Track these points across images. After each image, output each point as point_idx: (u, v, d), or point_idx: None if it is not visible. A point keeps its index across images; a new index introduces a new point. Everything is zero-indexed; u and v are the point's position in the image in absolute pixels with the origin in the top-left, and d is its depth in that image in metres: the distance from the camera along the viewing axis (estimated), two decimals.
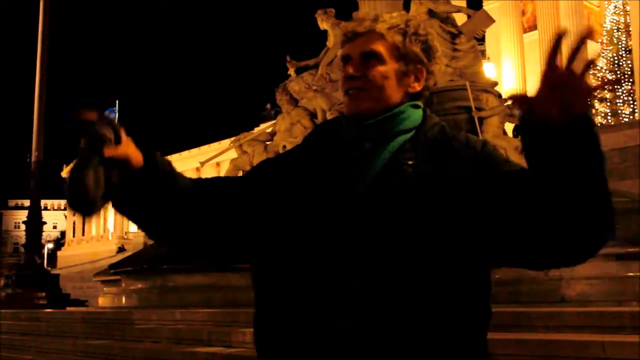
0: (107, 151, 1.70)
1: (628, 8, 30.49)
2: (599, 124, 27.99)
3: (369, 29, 1.84)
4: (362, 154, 1.78)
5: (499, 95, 13.03)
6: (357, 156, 1.78)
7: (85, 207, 1.70)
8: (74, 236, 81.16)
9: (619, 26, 31.01)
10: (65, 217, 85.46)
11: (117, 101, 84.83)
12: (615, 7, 31.57)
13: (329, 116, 12.04)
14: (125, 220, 71.06)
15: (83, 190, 1.66)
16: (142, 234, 49.82)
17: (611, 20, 31.60)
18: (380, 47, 1.82)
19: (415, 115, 1.85)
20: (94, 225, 77.90)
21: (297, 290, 1.70)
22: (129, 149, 1.78)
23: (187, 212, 1.83)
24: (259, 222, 1.81)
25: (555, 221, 1.56)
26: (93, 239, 76.46)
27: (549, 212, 1.56)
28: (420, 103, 1.89)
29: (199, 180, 1.95)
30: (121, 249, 58.94)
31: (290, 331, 1.71)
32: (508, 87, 32.56)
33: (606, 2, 32.80)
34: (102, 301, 13.75)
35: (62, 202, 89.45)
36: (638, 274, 7.81)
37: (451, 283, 1.66)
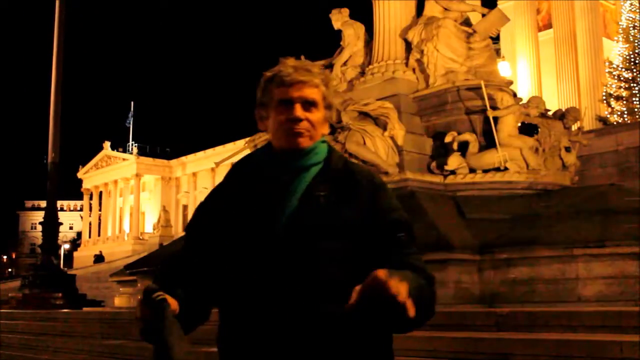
0: (171, 311, 1.97)
1: None
2: (615, 123, 27.77)
3: (309, 79, 2.15)
4: (281, 187, 2.11)
5: (514, 94, 12.98)
6: (277, 190, 2.10)
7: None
8: (90, 237, 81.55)
9: (635, 24, 30.79)
10: (82, 217, 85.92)
11: (132, 103, 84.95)
12: (631, 4, 31.32)
13: (343, 116, 12.01)
14: (141, 221, 71.09)
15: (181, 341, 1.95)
16: (157, 234, 49.67)
17: (627, 18, 31.37)
18: (317, 96, 2.16)
19: (323, 149, 2.21)
20: (110, 226, 78.29)
21: (239, 315, 2.08)
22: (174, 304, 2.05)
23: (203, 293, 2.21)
24: (213, 265, 2.16)
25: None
26: (109, 239, 76.82)
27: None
28: (324, 138, 2.24)
29: (188, 268, 2.24)
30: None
31: (239, 341, 2.08)
32: (523, 85, 32.43)
33: (622, 0, 32.57)
34: (118, 301, 13.82)
35: (78, 203, 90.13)
36: None
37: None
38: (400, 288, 1.72)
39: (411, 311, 1.72)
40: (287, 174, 2.14)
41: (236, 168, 2.29)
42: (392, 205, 2.15)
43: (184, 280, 2.18)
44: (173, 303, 2.01)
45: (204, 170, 70.22)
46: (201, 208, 2.29)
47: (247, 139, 15.85)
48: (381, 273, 1.72)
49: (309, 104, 2.15)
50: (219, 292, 2.16)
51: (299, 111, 2.13)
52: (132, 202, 75.43)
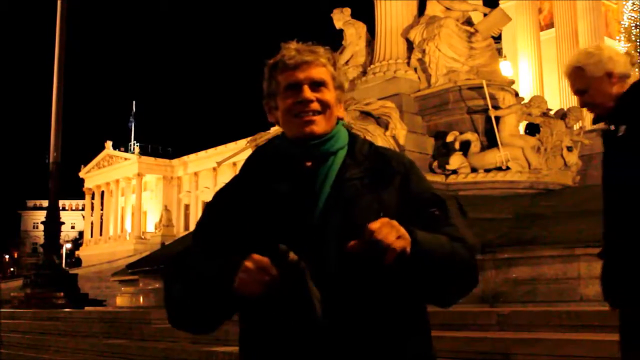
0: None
1: None
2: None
3: (314, 59, 2.03)
4: (309, 174, 1.99)
5: (516, 94, 12.97)
6: (305, 178, 1.98)
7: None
8: (92, 236, 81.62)
9: (637, 23, 30.76)
10: (83, 217, 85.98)
11: (134, 102, 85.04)
12: (633, 3, 31.28)
13: (344, 115, 12.02)
14: (142, 220, 70.95)
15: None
16: (159, 234, 49.65)
17: (629, 17, 31.32)
18: (326, 76, 2.04)
19: (344, 133, 2.10)
20: (112, 226, 78.36)
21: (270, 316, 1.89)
22: None
23: None
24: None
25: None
26: (111, 239, 76.88)
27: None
28: (339, 122, 2.12)
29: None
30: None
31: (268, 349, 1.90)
32: (525, 85, 32.43)
33: (624, 0, 32.55)
34: (120, 301, 13.82)
35: (80, 202, 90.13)
36: None
37: (396, 292, 1.88)
38: (386, 232, 1.70)
39: (388, 255, 1.70)
40: (311, 161, 2.01)
41: (252, 160, 2.14)
42: (424, 185, 2.06)
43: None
44: None
45: (206, 169, 70.26)
46: (213, 206, 2.11)
47: (249, 138, 15.86)
48: (375, 222, 1.72)
49: (317, 85, 2.02)
50: None
51: (307, 92, 2.00)
52: (134, 201, 75.47)
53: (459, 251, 1.90)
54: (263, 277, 1.75)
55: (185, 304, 1.94)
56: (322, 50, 2.07)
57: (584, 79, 3.30)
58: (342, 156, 2.02)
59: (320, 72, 2.03)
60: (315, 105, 2.00)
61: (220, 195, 2.12)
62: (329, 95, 2.03)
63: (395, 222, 1.74)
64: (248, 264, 1.77)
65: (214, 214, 2.09)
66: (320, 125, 2.01)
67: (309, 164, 2.01)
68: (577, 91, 3.35)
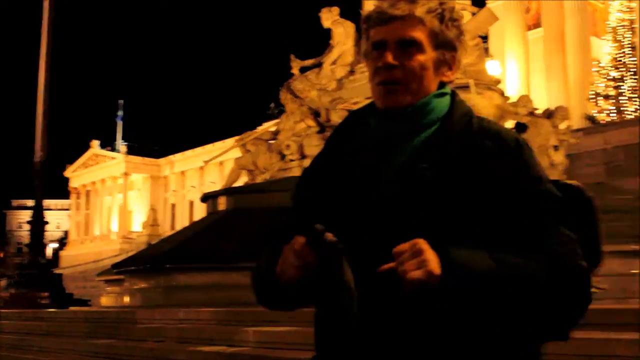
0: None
1: (633, 5, 30.40)
2: (603, 122, 27.83)
3: (407, 13, 1.68)
4: (383, 155, 1.69)
5: (502, 93, 12.99)
6: (377, 159, 1.69)
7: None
8: (77, 236, 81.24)
9: (624, 23, 30.92)
10: (69, 216, 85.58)
11: (121, 101, 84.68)
12: (620, 4, 31.47)
13: (332, 115, 11.99)
14: (128, 220, 70.80)
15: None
16: (145, 233, 49.54)
17: (616, 17, 31.51)
18: (419, 34, 1.68)
19: (440, 105, 1.72)
20: (98, 225, 78.04)
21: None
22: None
23: None
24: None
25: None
26: (96, 238, 76.54)
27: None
28: (447, 89, 1.76)
29: None
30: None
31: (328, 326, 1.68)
32: (512, 84, 32.50)
33: (611, 0, 32.72)
34: (105, 301, 13.75)
35: (66, 202, 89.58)
36: None
37: None
38: (406, 259, 1.45)
39: (408, 283, 1.44)
40: (394, 138, 1.70)
41: (338, 129, 1.85)
42: (531, 175, 1.64)
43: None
44: None
45: (193, 169, 70.06)
46: (299, 179, 1.90)
47: (237, 137, 15.84)
48: (403, 245, 1.47)
49: (406, 45, 1.67)
50: None
51: (389, 57, 1.67)
52: (120, 201, 75.20)
53: (528, 274, 1.52)
54: (297, 261, 1.56)
55: (257, 286, 1.82)
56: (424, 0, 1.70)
57: None
58: (426, 136, 1.68)
59: (412, 30, 1.68)
60: (397, 73, 1.68)
61: (307, 168, 1.90)
62: (422, 57, 1.68)
63: (424, 245, 1.47)
64: (286, 247, 1.59)
65: (298, 187, 1.87)
66: (403, 96, 1.69)
67: (394, 140, 1.70)
68: None
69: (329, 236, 1.53)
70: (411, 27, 1.67)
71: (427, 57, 1.69)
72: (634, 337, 4.93)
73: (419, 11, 1.68)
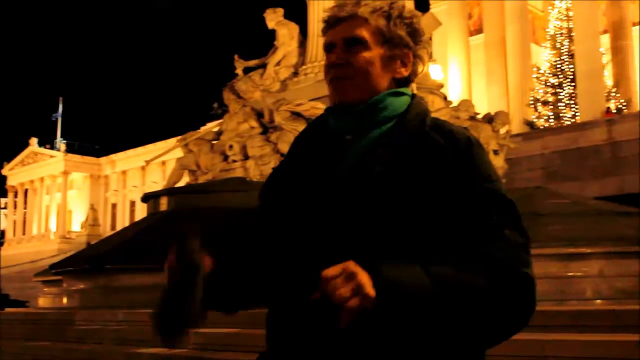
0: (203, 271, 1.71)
1: (571, 13, 31.13)
2: (542, 127, 28.39)
3: (351, 13, 1.74)
4: (341, 149, 1.71)
5: (445, 97, 13.17)
6: (335, 152, 1.71)
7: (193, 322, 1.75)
8: (14, 235, 79.46)
9: (562, 31, 31.63)
10: (5, 215, 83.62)
11: (60, 98, 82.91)
12: (559, 12, 32.18)
13: (275, 116, 11.98)
14: (68, 219, 69.35)
15: (195, 308, 1.69)
16: (85, 233, 48.78)
17: (554, 25, 32.21)
18: (363, 32, 1.73)
19: (396, 104, 1.74)
20: (35, 225, 76.46)
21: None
22: (207, 261, 1.79)
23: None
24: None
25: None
26: (34, 238, 74.92)
27: None
28: (406, 90, 1.79)
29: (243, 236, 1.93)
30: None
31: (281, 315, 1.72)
32: (454, 88, 32.96)
33: (550, 7, 33.42)
34: (43, 302, 13.49)
35: (3, 201, 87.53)
36: (578, 273, 8.00)
37: None
38: (339, 285, 1.39)
39: (342, 320, 1.39)
40: (348, 134, 1.72)
41: (304, 131, 1.89)
42: (482, 174, 1.64)
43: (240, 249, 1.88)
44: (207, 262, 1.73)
45: (134, 168, 69.17)
46: (267, 179, 1.91)
47: (179, 137, 15.70)
48: (332, 269, 1.41)
49: (351, 43, 1.73)
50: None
51: (333, 55, 1.74)
52: (59, 200, 73.80)
53: (464, 287, 1.49)
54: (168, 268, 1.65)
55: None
56: (369, 1, 1.76)
57: None
58: (379, 133, 1.70)
59: (356, 29, 1.73)
60: (343, 69, 1.72)
61: (274, 168, 1.94)
62: (367, 54, 1.71)
63: (355, 268, 1.42)
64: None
65: (262, 187, 1.90)
66: (352, 90, 1.72)
67: (348, 137, 1.72)
68: None
69: (191, 246, 1.65)
70: (356, 27, 1.73)
71: (372, 53, 1.72)
72: (573, 339, 5.07)
73: (363, 11, 1.73)
